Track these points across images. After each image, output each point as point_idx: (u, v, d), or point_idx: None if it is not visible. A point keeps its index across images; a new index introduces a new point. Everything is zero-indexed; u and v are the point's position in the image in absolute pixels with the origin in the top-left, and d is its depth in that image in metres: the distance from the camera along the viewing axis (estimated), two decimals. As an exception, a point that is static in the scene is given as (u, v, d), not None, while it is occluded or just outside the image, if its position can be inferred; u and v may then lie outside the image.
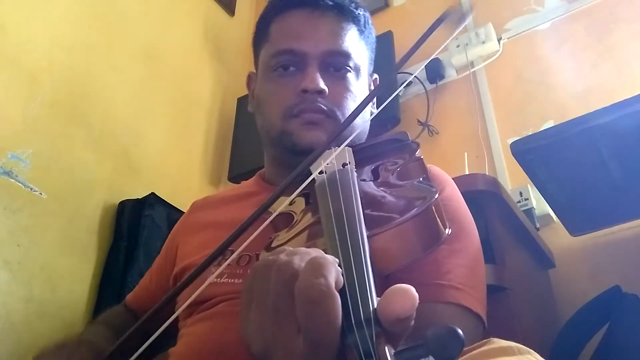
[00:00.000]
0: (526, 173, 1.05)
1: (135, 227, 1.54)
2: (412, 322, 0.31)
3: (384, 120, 1.69)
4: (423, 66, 1.62)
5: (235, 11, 2.44)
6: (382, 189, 0.55)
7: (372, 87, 0.87)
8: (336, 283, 0.34)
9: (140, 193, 1.62)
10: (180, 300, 0.75)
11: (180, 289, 0.48)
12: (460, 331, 0.29)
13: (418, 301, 0.31)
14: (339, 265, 0.36)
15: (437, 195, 0.48)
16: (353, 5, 0.81)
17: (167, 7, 2.04)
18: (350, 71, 0.78)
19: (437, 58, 1.84)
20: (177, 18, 2.10)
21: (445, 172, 0.79)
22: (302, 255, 0.37)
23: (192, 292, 0.71)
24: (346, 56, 0.77)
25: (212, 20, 2.30)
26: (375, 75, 0.88)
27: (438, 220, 0.48)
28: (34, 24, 1.51)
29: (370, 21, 0.85)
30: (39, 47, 1.51)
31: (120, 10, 1.82)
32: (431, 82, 1.82)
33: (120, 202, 1.59)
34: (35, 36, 1.50)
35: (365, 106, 0.57)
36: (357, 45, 0.80)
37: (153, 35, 1.93)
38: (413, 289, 0.31)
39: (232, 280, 0.68)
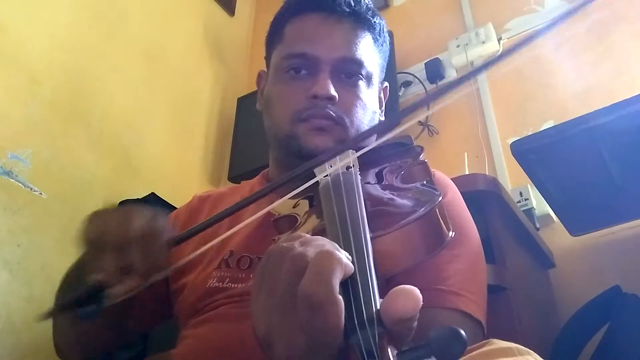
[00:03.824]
0: (526, 173, 1.05)
1: (135, 227, 1.54)
2: (415, 323, 0.32)
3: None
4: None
5: (235, 11, 2.44)
6: (386, 191, 0.55)
7: (382, 95, 0.86)
8: (345, 275, 0.34)
9: (140, 193, 1.62)
10: (181, 303, 0.75)
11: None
12: (462, 332, 0.29)
13: (421, 302, 0.31)
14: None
15: (440, 198, 0.48)
16: (370, 13, 0.80)
17: (167, 7, 2.04)
18: (361, 79, 0.77)
19: (437, 58, 1.84)
20: (177, 18, 2.10)
21: (445, 172, 0.79)
22: (317, 247, 0.36)
23: (192, 299, 0.71)
24: (359, 64, 0.77)
25: (212, 20, 2.30)
26: (386, 84, 0.88)
27: (442, 222, 0.48)
28: (34, 24, 1.51)
29: (385, 29, 0.84)
30: (39, 47, 1.51)
31: (120, 10, 1.82)
32: (431, 82, 1.82)
33: (120, 202, 1.59)
34: (35, 36, 1.50)
35: (378, 131, 0.57)
36: (370, 54, 0.79)
37: (153, 35, 1.93)
38: (416, 290, 0.31)
39: (235, 285, 0.68)
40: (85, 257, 0.54)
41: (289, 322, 0.34)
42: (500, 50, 1.76)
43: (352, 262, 0.36)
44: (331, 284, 0.32)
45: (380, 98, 0.85)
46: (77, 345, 0.78)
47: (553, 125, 1.42)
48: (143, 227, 0.52)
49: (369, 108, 0.77)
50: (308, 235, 0.39)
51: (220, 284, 0.69)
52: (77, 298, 0.50)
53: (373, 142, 0.53)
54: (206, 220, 0.54)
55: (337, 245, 0.38)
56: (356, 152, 0.57)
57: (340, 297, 0.32)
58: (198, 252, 0.54)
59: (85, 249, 0.53)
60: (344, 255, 0.35)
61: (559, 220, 1.29)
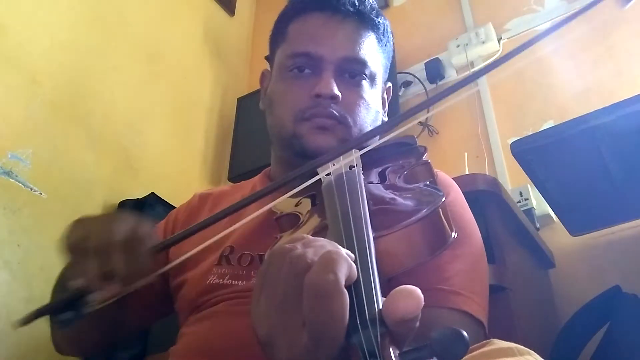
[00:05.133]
0: (526, 173, 1.05)
1: (135, 227, 1.54)
2: (417, 323, 0.32)
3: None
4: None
5: (235, 11, 2.44)
6: (389, 191, 0.55)
7: (385, 95, 0.86)
8: (349, 277, 0.34)
9: (140, 193, 1.62)
10: (180, 299, 0.75)
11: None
12: (464, 333, 0.29)
13: (423, 302, 0.31)
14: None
15: (443, 199, 0.49)
16: (374, 12, 0.80)
17: (167, 7, 2.04)
18: (365, 79, 0.77)
19: (437, 58, 1.84)
20: (177, 18, 2.10)
21: (445, 172, 0.79)
22: (317, 248, 0.37)
23: (192, 295, 0.71)
24: (362, 64, 0.77)
25: (212, 20, 2.30)
26: (389, 84, 0.88)
27: (444, 223, 0.48)
28: (34, 24, 1.51)
29: (389, 29, 0.84)
30: (39, 47, 1.51)
31: (120, 10, 1.82)
32: (431, 82, 1.82)
33: (120, 202, 1.59)
34: (35, 36, 1.50)
35: (381, 132, 0.58)
36: (374, 54, 0.79)
37: (153, 35, 1.93)
38: (418, 290, 0.31)
39: (235, 282, 0.68)
40: (68, 263, 0.54)
41: (290, 322, 0.34)
42: (500, 51, 1.76)
43: (355, 261, 0.37)
44: (337, 274, 0.33)
45: (383, 98, 0.85)
46: (72, 344, 0.79)
47: (553, 125, 1.42)
48: (126, 233, 0.52)
49: (372, 108, 0.77)
50: (310, 237, 0.39)
51: (221, 280, 0.69)
52: (56, 304, 0.50)
53: (376, 142, 0.53)
54: (197, 224, 0.54)
55: (338, 246, 0.38)
56: (359, 151, 0.57)
57: (345, 290, 0.33)
58: (195, 250, 0.54)
59: (68, 255, 0.53)
60: (348, 257, 0.36)
61: (559, 220, 1.29)
